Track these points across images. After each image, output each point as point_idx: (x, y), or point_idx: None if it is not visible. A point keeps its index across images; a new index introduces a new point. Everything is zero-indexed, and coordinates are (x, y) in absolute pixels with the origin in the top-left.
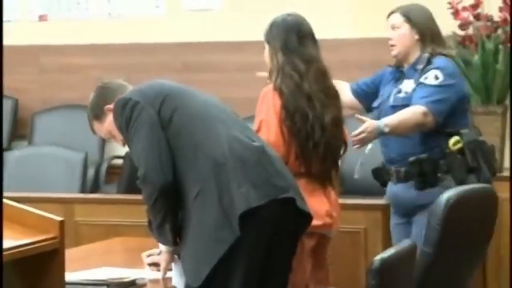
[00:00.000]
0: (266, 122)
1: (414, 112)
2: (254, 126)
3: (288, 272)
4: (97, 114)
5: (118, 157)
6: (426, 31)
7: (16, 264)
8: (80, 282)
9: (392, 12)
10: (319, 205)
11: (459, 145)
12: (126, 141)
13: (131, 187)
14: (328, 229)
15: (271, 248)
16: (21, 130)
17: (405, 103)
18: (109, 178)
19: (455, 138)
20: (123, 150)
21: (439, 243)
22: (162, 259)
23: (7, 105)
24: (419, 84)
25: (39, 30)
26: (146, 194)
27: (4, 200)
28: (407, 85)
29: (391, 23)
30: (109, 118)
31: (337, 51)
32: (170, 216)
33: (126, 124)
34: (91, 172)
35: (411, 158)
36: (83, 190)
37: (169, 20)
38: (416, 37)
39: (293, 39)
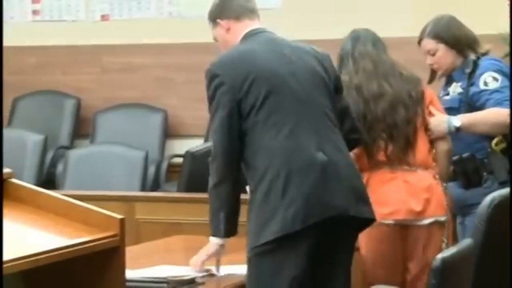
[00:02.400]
0: None
1: (498, 112)
2: None
3: (348, 270)
4: (210, 18)
5: (178, 155)
6: (460, 41)
7: (77, 261)
8: (140, 280)
9: (421, 39)
10: (390, 194)
11: (502, 145)
12: (209, 110)
13: (191, 186)
14: (400, 216)
15: (330, 250)
16: (83, 129)
17: (450, 106)
18: (169, 176)
19: (498, 138)
20: (183, 148)
21: (484, 244)
22: (210, 252)
23: (70, 104)
24: (481, 92)
25: (101, 30)
26: (211, 172)
27: (66, 198)
28: (455, 88)
29: (426, 49)
30: (218, 30)
31: (400, 49)
32: (227, 205)
33: (209, 99)
34: (151, 170)
35: (455, 157)
36: (143, 188)
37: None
38: (455, 51)
39: (347, 46)
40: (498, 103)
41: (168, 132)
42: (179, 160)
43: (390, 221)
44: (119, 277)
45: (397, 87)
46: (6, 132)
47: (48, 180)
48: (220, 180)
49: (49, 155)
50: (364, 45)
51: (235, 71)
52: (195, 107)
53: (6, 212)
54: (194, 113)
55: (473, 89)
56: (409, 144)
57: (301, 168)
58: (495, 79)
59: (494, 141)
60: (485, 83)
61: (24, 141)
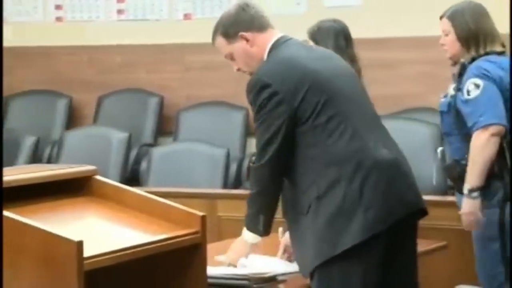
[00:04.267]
0: None
1: (475, 144)
2: None
3: (415, 269)
4: (228, 33)
5: None
6: (470, 35)
7: (160, 258)
8: (222, 276)
9: (442, 16)
10: None
11: None
12: (254, 119)
13: None
14: None
15: (401, 245)
16: (166, 127)
17: (442, 109)
18: None
19: None
20: None
21: None
22: (246, 249)
23: (153, 102)
24: (464, 102)
25: (184, 29)
26: (255, 180)
27: (149, 195)
28: (450, 90)
29: (442, 28)
30: (239, 44)
31: None
32: (267, 211)
33: (258, 109)
34: (233, 168)
35: (446, 164)
36: (225, 186)
37: (309, 17)
38: (459, 44)
39: (342, 40)
40: (475, 123)
41: (250, 130)
42: None
43: None
44: (200, 274)
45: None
46: (91, 129)
47: (132, 177)
48: (264, 189)
49: (133, 153)
50: (342, 39)
51: (287, 80)
52: None
53: (90, 208)
54: None
55: (459, 96)
56: None
57: (373, 168)
58: (477, 86)
59: None
60: (468, 92)
61: (109, 138)
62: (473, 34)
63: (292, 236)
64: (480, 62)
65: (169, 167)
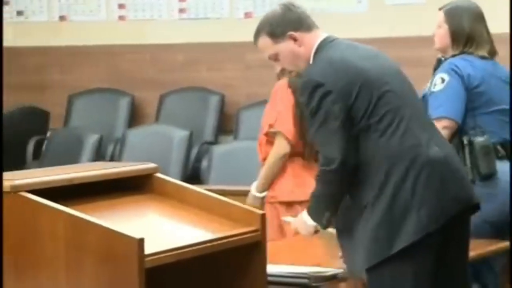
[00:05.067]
0: (283, 113)
1: None
2: (271, 116)
3: (466, 265)
4: (275, 32)
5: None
6: (460, 34)
7: (220, 256)
8: (282, 274)
9: (440, 8)
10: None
11: None
12: (309, 120)
13: None
14: None
15: (456, 240)
16: (227, 125)
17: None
18: None
19: None
20: None
21: None
22: (302, 228)
23: (214, 100)
24: (430, 93)
25: (245, 27)
26: (324, 182)
27: (209, 193)
28: (429, 82)
29: (438, 20)
30: (287, 44)
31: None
32: (334, 210)
33: (314, 110)
34: None
35: None
36: None
37: (370, 16)
38: (450, 39)
39: None
40: (431, 114)
41: None
42: None
43: None
44: (260, 272)
45: None
46: (153, 128)
47: (193, 175)
48: (336, 189)
49: (194, 151)
50: None
51: (340, 78)
52: None
53: (151, 206)
54: None
55: (429, 88)
56: None
57: (426, 165)
58: (442, 80)
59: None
60: (434, 85)
61: (171, 136)
62: (465, 34)
63: (343, 235)
64: (455, 59)
65: (230, 165)
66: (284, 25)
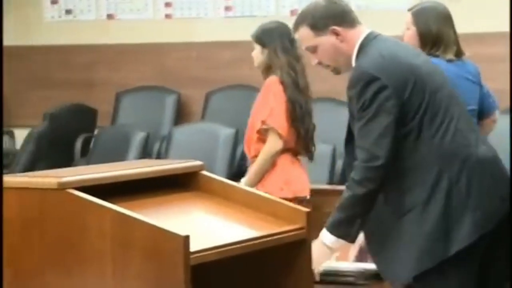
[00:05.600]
0: (276, 110)
1: None
2: (264, 112)
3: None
4: (317, 25)
5: None
6: (427, 36)
7: (265, 253)
8: (327, 272)
9: (409, 9)
10: (303, 175)
11: None
12: (360, 116)
13: None
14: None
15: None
16: None
17: None
18: None
19: None
20: None
21: None
22: (321, 256)
23: None
24: None
25: (291, 25)
26: (364, 180)
27: (255, 191)
28: None
29: (406, 21)
30: (328, 38)
31: None
32: (367, 213)
33: (365, 104)
34: (339, 164)
35: None
36: (331, 182)
37: None
38: (417, 40)
39: (286, 41)
40: None
41: None
42: None
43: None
44: (306, 270)
45: (310, 98)
46: (199, 125)
47: (239, 172)
48: (372, 190)
49: (240, 148)
50: (297, 47)
51: (395, 74)
52: None
53: (197, 203)
54: None
55: None
56: (312, 141)
57: (477, 166)
58: None
59: None
60: None
61: (217, 134)
62: (432, 36)
63: (377, 240)
64: None
65: None
66: (327, 18)
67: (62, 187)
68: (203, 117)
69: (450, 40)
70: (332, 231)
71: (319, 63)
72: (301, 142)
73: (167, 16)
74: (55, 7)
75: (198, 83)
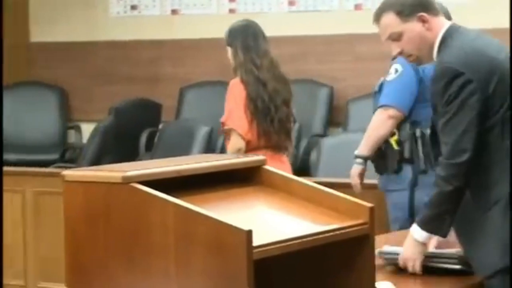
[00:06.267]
0: (234, 111)
1: (374, 123)
2: (224, 114)
3: None
4: (404, 11)
5: None
6: None
7: (327, 248)
8: (430, 255)
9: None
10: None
11: (395, 137)
12: (444, 111)
13: None
14: None
15: None
16: (336, 117)
17: (375, 90)
18: None
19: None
20: None
21: None
22: (414, 253)
23: (323, 92)
24: (384, 81)
25: (355, 20)
26: (451, 177)
27: (317, 186)
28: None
29: None
30: (415, 25)
31: None
32: (457, 208)
33: (449, 99)
34: None
35: None
36: None
37: (474, 7)
38: None
39: (249, 39)
40: (379, 101)
41: None
42: None
43: None
44: (368, 265)
45: (283, 88)
46: None
47: (302, 167)
48: (464, 184)
49: (303, 143)
50: (262, 41)
51: (479, 68)
52: None
53: (259, 198)
54: None
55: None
56: (288, 136)
57: None
58: (396, 70)
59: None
60: (389, 73)
61: None
62: None
63: (464, 233)
64: None
65: (339, 158)
66: (415, 5)
67: (127, 181)
68: None
69: None
70: (424, 227)
71: (400, 52)
72: (272, 136)
73: (231, 11)
74: (121, 3)
75: None
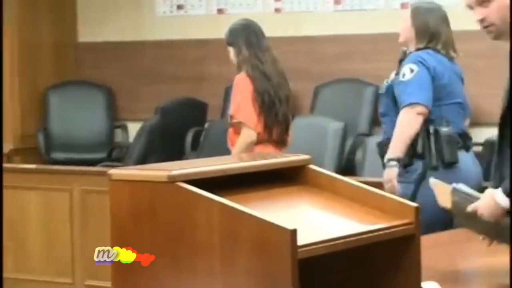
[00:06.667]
0: (243, 104)
1: (402, 122)
2: (232, 108)
3: None
4: None
5: (477, 144)
6: (422, 30)
7: (372, 248)
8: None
9: (410, 5)
10: None
11: None
12: None
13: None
14: None
15: None
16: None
17: (381, 92)
18: None
19: None
20: (482, 136)
21: None
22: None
23: (369, 91)
24: (398, 83)
25: (401, 18)
26: None
27: (362, 185)
28: (392, 74)
29: (404, 16)
30: (501, 1)
31: None
32: None
33: None
34: None
35: (380, 140)
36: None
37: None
38: (413, 33)
39: (251, 36)
40: (403, 101)
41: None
42: (478, 148)
43: None
44: (414, 266)
45: (284, 83)
46: (308, 119)
47: (348, 166)
48: None
49: (349, 142)
50: (264, 39)
51: None
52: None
53: (304, 197)
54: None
55: (396, 79)
56: (288, 130)
57: None
58: (412, 70)
59: None
60: (403, 75)
61: (325, 128)
62: (430, 32)
63: None
64: (420, 52)
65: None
66: None
67: (172, 180)
68: (312, 111)
69: (449, 39)
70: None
71: (482, 20)
72: (275, 130)
73: (277, 10)
74: (167, 3)
75: (307, 77)
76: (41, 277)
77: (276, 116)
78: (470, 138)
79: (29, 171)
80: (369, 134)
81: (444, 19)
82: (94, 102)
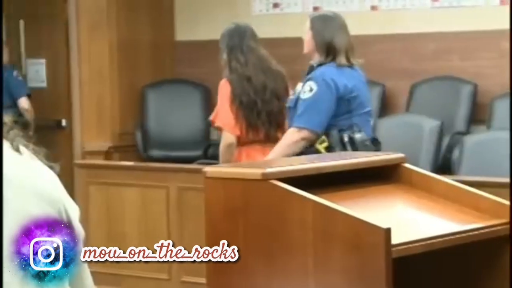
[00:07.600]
0: (220, 109)
1: (285, 142)
2: (213, 113)
3: None
4: None
5: None
6: (319, 42)
7: (466, 247)
8: None
9: (309, 16)
10: None
11: (325, 144)
12: None
13: None
14: None
15: None
16: (479, 115)
17: (289, 105)
18: None
19: (321, 139)
20: None
21: None
22: None
23: (466, 89)
24: (299, 99)
25: (500, 14)
26: None
27: (457, 184)
28: (299, 87)
29: (305, 26)
30: None
31: None
32: None
33: None
34: None
35: None
36: None
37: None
38: (314, 45)
39: (235, 39)
40: (294, 121)
41: None
42: None
43: None
44: (510, 266)
45: (274, 81)
46: (404, 117)
47: (444, 165)
48: None
49: (445, 141)
50: (249, 39)
51: None
52: None
53: (398, 195)
54: None
55: (300, 92)
56: (279, 128)
57: None
58: (311, 89)
59: (318, 141)
60: (304, 92)
61: (421, 126)
62: (325, 44)
63: None
64: (327, 68)
65: (482, 156)
66: None
67: (266, 178)
68: (407, 109)
69: (348, 47)
70: None
71: None
72: (260, 130)
73: (373, 7)
74: (263, 1)
75: (403, 75)
76: (138, 273)
77: (258, 116)
78: (380, 143)
79: (127, 168)
80: (466, 132)
81: (341, 27)
82: (190, 100)
